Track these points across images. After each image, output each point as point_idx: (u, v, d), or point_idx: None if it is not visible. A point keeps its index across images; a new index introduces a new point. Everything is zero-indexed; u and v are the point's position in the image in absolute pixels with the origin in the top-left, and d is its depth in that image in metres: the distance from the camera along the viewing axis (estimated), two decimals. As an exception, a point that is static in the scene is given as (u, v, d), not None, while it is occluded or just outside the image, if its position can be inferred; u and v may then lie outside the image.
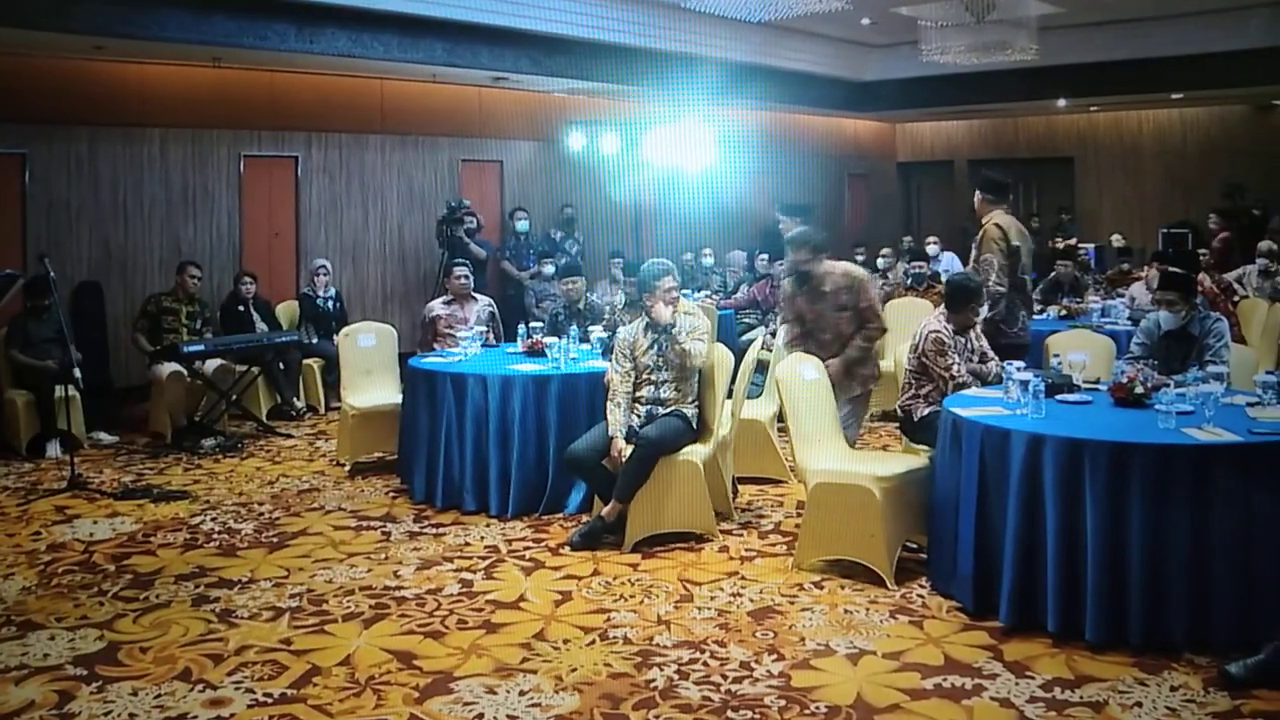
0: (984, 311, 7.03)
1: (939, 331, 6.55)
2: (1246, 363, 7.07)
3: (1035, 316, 8.59)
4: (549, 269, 12.53)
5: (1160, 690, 4.57)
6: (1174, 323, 6.64)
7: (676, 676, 4.77)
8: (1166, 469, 4.89)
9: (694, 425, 6.74)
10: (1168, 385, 5.59)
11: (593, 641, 5.15)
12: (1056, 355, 6.42)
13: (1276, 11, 13.82)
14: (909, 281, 12.03)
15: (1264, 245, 12.01)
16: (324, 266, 11.39)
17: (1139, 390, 5.72)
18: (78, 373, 8.29)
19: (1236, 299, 10.57)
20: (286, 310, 11.41)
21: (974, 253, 7.50)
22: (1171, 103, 17.88)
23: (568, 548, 6.51)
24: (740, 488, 7.53)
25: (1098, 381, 6.29)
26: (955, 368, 6.44)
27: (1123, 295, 11.14)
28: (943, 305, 6.75)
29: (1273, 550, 4.85)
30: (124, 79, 11.07)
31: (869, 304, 6.91)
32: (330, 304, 11.30)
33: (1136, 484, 4.88)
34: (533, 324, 8.62)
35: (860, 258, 15.81)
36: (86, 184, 10.82)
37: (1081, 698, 4.52)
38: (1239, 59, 14.45)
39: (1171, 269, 7.83)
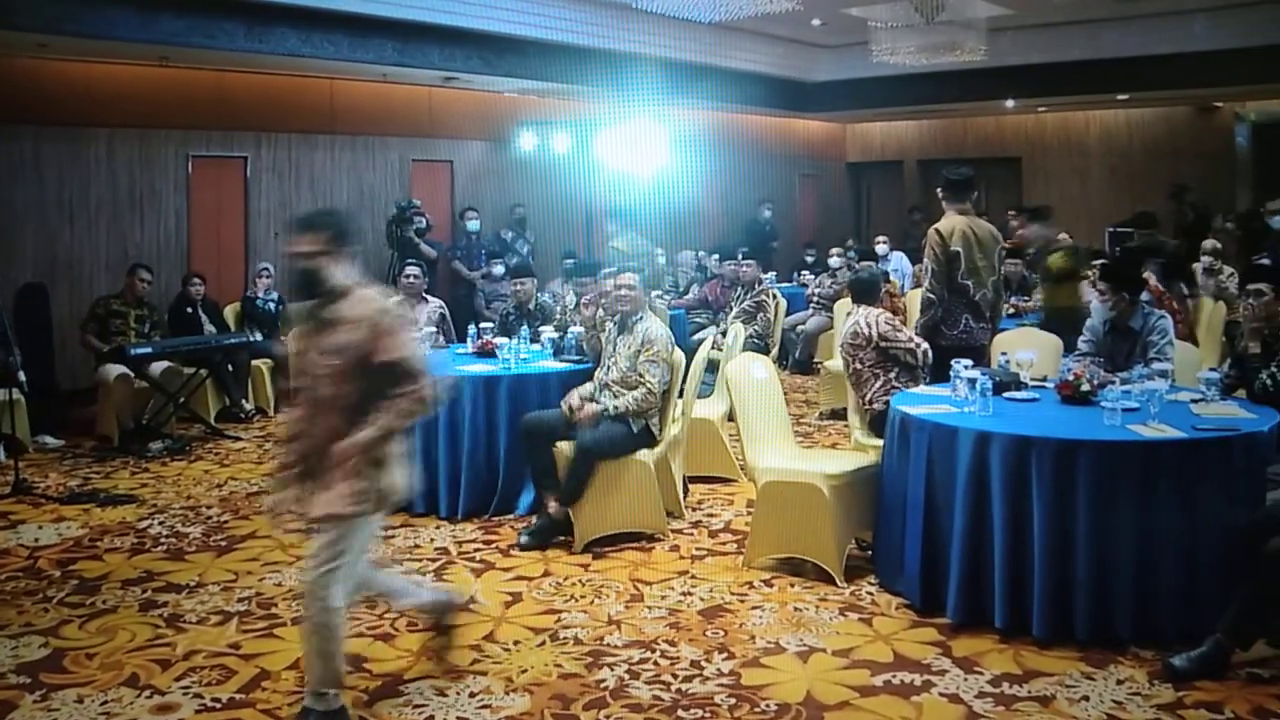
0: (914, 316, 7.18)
1: (882, 313, 6.84)
2: (1191, 360, 7.16)
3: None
4: (499, 269, 12.54)
5: (1106, 684, 4.63)
6: (1103, 313, 6.71)
7: (627, 676, 4.77)
8: (1112, 465, 4.95)
9: (635, 431, 6.66)
10: (1113, 382, 5.65)
11: (543, 642, 5.15)
12: (1004, 353, 6.47)
13: (1217, 15, 14.01)
14: (858, 281, 12.10)
15: (1208, 244, 12.15)
16: (266, 269, 11.33)
17: (1085, 387, 5.79)
18: (22, 376, 8.18)
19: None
20: (235, 312, 11.33)
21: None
22: (1118, 104, 18.06)
23: (517, 548, 6.50)
24: (691, 487, 7.55)
25: (1044, 379, 6.35)
26: (915, 335, 6.63)
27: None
28: (856, 303, 6.95)
29: (1215, 545, 4.92)
30: (69, 78, 10.93)
31: (399, 355, 4.27)
32: (272, 305, 11.24)
33: (1083, 480, 4.93)
34: (483, 324, 8.60)
35: (810, 258, 15.95)
36: (31, 184, 10.67)
37: (1029, 692, 4.57)
38: (1183, 61, 14.65)
39: (1105, 262, 7.89)
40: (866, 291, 7.05)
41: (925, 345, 6.70)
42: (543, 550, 6.45)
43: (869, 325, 6.71)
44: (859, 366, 6.75)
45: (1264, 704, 4.43)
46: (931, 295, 7.13)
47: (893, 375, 6.65)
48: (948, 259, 7.11)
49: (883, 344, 6.66)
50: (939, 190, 7.54)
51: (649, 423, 6.69)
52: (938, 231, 7.20)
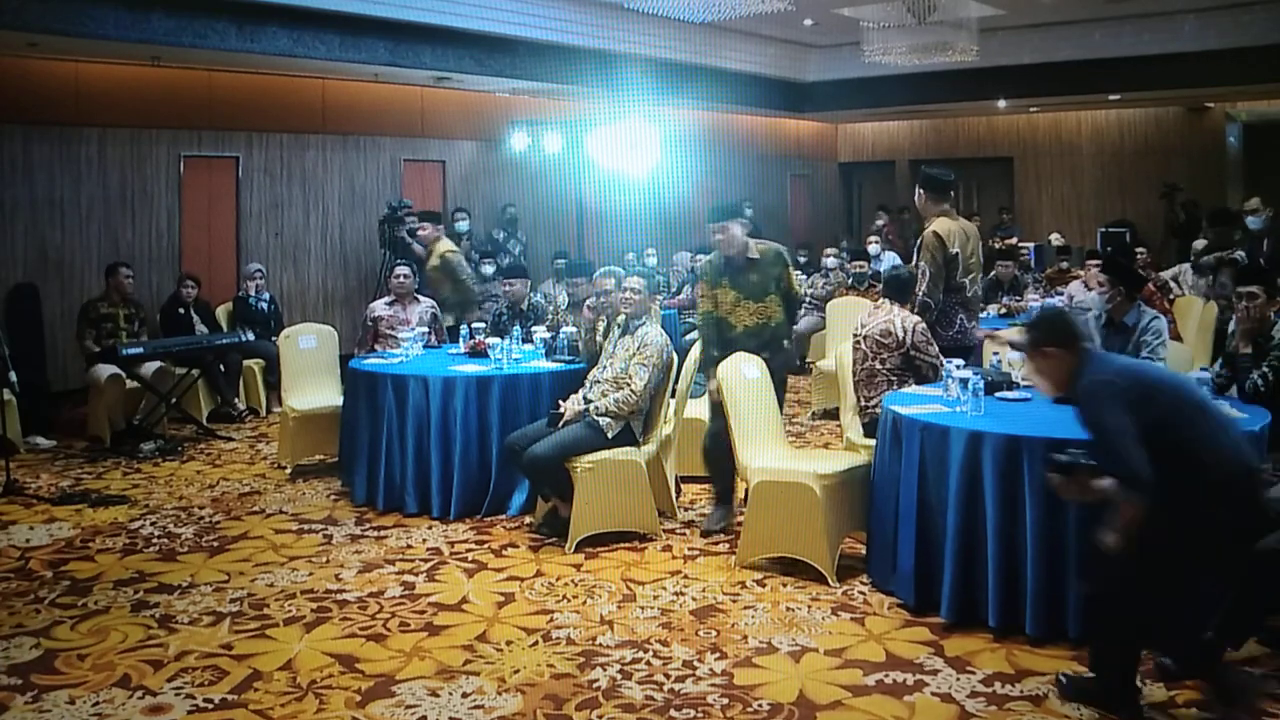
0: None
1: (919, 320, 6.68)
2: (1182, 360, 7.18)
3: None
4: (490, 269, 12.54)
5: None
6: (1099, 305, 6.72)
7: (619, 676, 4.77)
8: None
9: (610, 437, 6.63)
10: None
11: (535, 643, 5.14)
12: (996, 353, 6.47)
13: (1208, 16, 14.05)
14: (850, 281, 12.14)
15: (1198, 244, 12.17)
16: (259, 270, 11.34)
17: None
18: (13, 376, 8.17)
19: (1172, 297, 10.74)
20: (227, 312, 11.31)
21: (914, 256, 7.44)
22: (1109, 104, 18.11)
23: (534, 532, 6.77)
24: (683, 487, 7.55)
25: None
26: (940, 353, 6.56)
27: (1061, 293, 11.28)
28: (888, 300, 6.81)
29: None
30: (60, 77, 10.90)
31: None
32: (265, 305, 11.24)
33: (1074, 480, 4.93)
34: (475, 324, 8.60)
35: (803, 258, 15.98)
36: (21, 184, 10.62)
37: (1021, 691, 4.57)
38: (1174, 62, 14.69)
39: (1111, 258, 7.91)
40: (902, 289, 6.86)
41: (945, 365, 6.53)
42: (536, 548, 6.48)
43: (905, 330, 6.57)
44: (877, 366, 6.64)
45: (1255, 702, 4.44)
46: (929, 300, 6.96)
47: (905, 387, 6.50)
48: (947, 261, 7.03)
49: (913, 353, 6.55)
50: (921, 190, 7.39)
51: (630, 424, 6.69)
52: (936, 235, 7.06)
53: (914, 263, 7.33)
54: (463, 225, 13.55)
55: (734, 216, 7.06)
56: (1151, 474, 4.05)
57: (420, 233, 11.07)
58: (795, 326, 12.43)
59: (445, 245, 10.67)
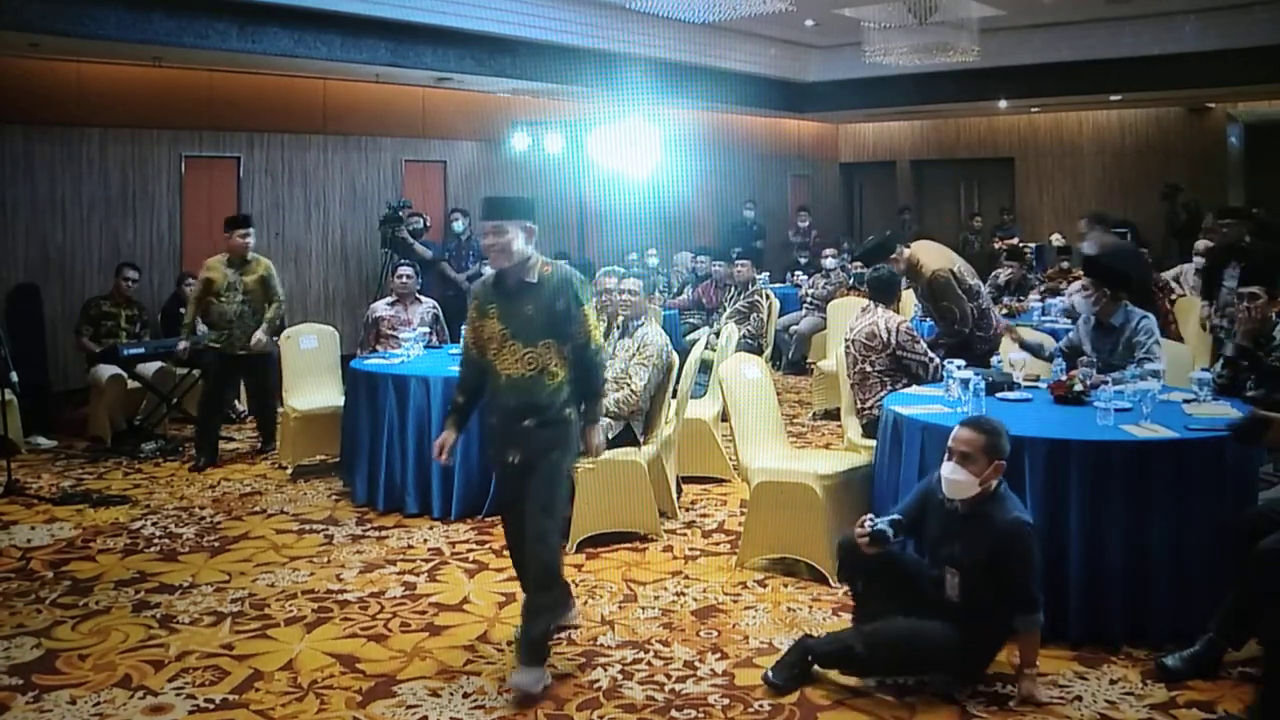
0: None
1: (904, 320, 6.71)
2: (1183, 360, 7.17)
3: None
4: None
5: (1100, 684, 4.64)
6: (1087, 308, 6.72)
7: (620, 676, 4.77)
8: (1104, 465, 4.96)
9: (609, 436, 6.55)
10: (1106, 383, 5.66)
11: (537, 642, 5.14)
12: (997, 354, 6.46)
13: (1209, 17, 14.06)
14: (851, 281, 12.16)
15: (1200, 244, 12.16)
16: None
17: (1078, 388, 5.80)
18: (14, 376, 8.17)
19: (1174, 297, 10.74)
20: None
21: (923, 305, 7.36)
22: (1110, 104, 18.14)
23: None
24: (684, 487, 7.55)
25: (1037, 379, 6.35)
26: (929, 350, 6.56)
27: (1063, 294, 11.28)
28: (874, 301, 6.83)
29: (1207, 545, 4.93)
30: (61, 77, 10.90)
31: None
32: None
33: (1075, 480, 4.94)
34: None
35: (803, 259, 15.97)
36: (22, 184, 10.62)
37: (1022, 692, 4.57)
38: (1175, 62, 14.71)
39: (1091, 257, 7.88)
40: (885, 290, 6.87)
41: (938, 361, 6.54)
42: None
43: (889, 330, 6.60)
44: (867, 369, 6.66)
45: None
46: (964, 330, 7.12)
47: (899, 386, 6.53)
48: (965, 290, 7.12)
49: (899, 353, 6.58)
50: (881, 289, 6.96)
51: (631, 424, 6.69)
52: (949, 273, 7.16)
53: (927, 310, 7.33)
54: (459, 225, 13.51)
55: (519, 217, 5.02)
56: None
57: (239, 240, 9.13)
58: (796, 327, 12.53)
59: (266, 260, 9.26)
